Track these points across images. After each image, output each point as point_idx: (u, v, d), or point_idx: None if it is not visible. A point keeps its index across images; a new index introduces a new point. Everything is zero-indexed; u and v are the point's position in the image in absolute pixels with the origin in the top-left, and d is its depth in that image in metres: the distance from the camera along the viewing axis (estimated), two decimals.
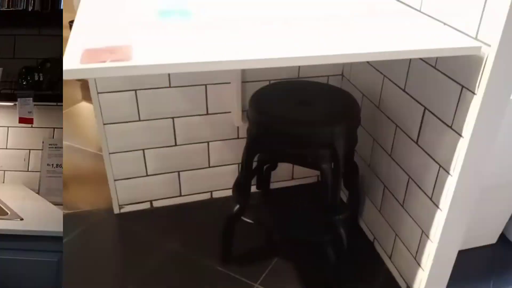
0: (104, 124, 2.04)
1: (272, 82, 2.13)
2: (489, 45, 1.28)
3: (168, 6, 1.37)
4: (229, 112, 2.19)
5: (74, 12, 1.48)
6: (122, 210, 2.28)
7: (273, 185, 2.43)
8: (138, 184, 2.24)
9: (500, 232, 2.21)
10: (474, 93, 1.37)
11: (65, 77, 0.98)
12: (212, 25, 1.34)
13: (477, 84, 1.35)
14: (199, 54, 1.12)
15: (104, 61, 1.00)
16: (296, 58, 1.16)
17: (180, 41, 1.20)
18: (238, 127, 2.24)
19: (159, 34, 1.23)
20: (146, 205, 2.31)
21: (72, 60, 1.01)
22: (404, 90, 1.73)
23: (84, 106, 3.26)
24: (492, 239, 2.21)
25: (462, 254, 1.83)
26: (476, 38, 1.33)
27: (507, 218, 2.16)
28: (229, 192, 2.03)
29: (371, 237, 2.15)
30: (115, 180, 2.19)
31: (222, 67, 1.11)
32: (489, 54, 1.29)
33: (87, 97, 3.26)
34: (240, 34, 1.30)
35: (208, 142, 2.25)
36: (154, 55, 1.10)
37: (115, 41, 1.14)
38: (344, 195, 2.30)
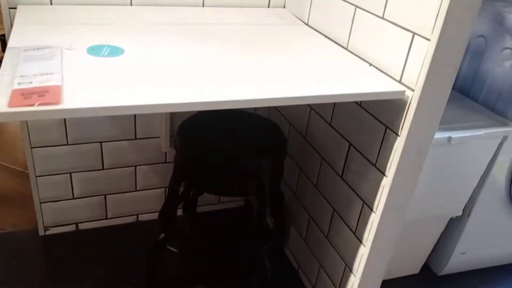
0: (32, 147, 2.00)
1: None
2: (413, 90, 1.32)
3: (99, 42, 1.35)
4: (157, 137, 2.17)
5: (1, 23, 1.43)
6: (47, 232, 2.22)
7: (199, 209, 2.41)
8: (64, 207, 2.19)
9: (423, 263, 2.27)
10: (397, 135, 1.40)
11: None
12: (143, 63, 1.30)
13: (401, 126, 1.38)
14: (128, 96, 1.11)
15: (33, 105, 0.99)
16: (222, 102, 1.15)
17: (110, 81, 1.17)
18: (166, 152, 2.23)
19: (90, 72, 1.20)
20: (72, 228, 2.26)
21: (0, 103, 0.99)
22: (330, 124, 1.75)
23: (11, 122, 3.13)
24: (415, 269, 2.27)
25: (385, 284, 1.86)
26: (400, 81, 1.36)
27: (430, 249, 2.22)
28: (155, 216, 2.02)
29: (295, 265, 2.16)
30: (41, 202, 2.14)
31: (150, 110, 1.11)
32: (413, 98, 1.32)
33: None
34: (170, 72, 1.28)
35: (135, 166, 2.22)
36: (84, 97, 1.08)
37: (44, 79, 1.12)
38: (270, 221, 2.30)
